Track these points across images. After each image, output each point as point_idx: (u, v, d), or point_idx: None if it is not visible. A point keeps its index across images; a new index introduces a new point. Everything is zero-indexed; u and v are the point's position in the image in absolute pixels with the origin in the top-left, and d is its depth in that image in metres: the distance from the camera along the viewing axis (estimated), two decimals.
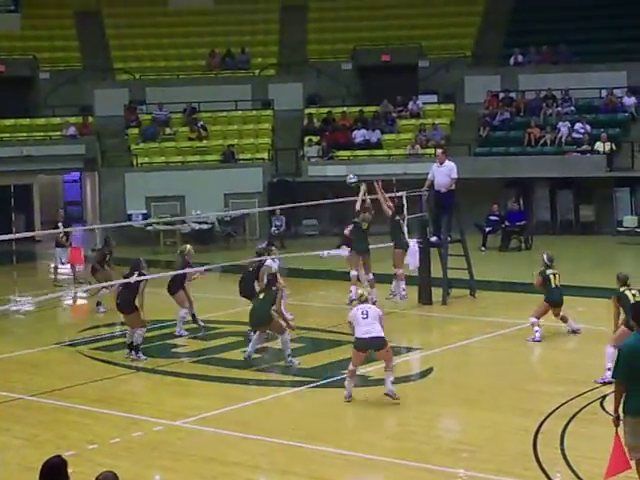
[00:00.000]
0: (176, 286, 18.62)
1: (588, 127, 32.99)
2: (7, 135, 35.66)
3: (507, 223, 30.17)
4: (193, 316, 19.02)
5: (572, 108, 34.52)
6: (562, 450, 11.48)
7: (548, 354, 16.84)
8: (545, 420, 12.64)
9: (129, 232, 30.42)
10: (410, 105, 36.64)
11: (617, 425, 9.50)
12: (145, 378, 16.09)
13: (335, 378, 15.02)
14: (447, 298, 21.05)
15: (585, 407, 13.17)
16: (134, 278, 16.58)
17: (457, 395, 14.25)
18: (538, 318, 17.33)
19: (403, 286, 20.60)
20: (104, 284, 20.13)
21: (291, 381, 15.36)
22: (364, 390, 14.18)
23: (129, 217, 32.48)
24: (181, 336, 18.57)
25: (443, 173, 21.22)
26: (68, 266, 25.70)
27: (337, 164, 33.83)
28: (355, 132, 35.65)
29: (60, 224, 25.57)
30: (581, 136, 32.80)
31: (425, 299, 21.02)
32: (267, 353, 17.01)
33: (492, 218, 30.24)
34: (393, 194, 21.23)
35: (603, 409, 12.94)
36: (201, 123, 36.09)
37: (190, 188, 33.42)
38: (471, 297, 21.58)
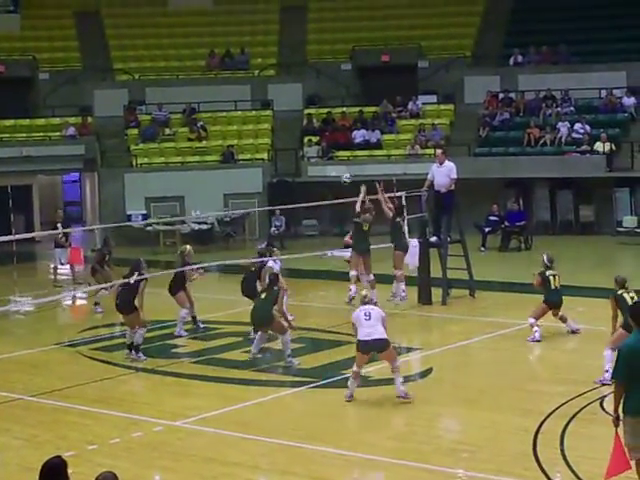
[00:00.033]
0: (177, 287, 18.67)
1: (588, 127, 32.97)
2: (6, 135, 35.61)
3: (507, 223, 30.15)
4: (194, 318, 19.06)
5: (572, 108, 34.51)
6: (562, 450, 11.48)
7: (548, 354, 16.84)
8: (545, 420, 12.64)
9: (129, 232, 30.41)
10: (410, 105, 36.63)
11: (617, 425, 9.50)
12: (145, 378, 16.08)
13: (335, 378, 15.03)
14: (447, 298, 21.04)
15: (585, 407, 13.18)
16: (134, 278, 16.59)
17: (457, 395, 14.24)
18: (536, 319, 17.31)
19: (403, 287, 20.61)
20: (104, 285, 20.14)
21: (291, 381, 15.35)
22: (364, 390, 14.17)
23: (129, 217, 32.43)
24: (181, 336, 18.58)
25: (443, 173, 21.20)
26: (67, 266, 25.73)
27: (337, 164, 33.79)
28: (355, 132, 35.62)
29: (59, 225, 25.56)
30: (581, 136, 32.79)
31: (425, 299, 21.02)
32: (267, 353, 17.01)
33: (492, 218, 30.22)
34: (393, 194, 21.23)
35: (603, 409, 12.94)
36: (201, 123, 36.06)
37: (190, 188, 33.39)
38: (471, 297, 21.57)
